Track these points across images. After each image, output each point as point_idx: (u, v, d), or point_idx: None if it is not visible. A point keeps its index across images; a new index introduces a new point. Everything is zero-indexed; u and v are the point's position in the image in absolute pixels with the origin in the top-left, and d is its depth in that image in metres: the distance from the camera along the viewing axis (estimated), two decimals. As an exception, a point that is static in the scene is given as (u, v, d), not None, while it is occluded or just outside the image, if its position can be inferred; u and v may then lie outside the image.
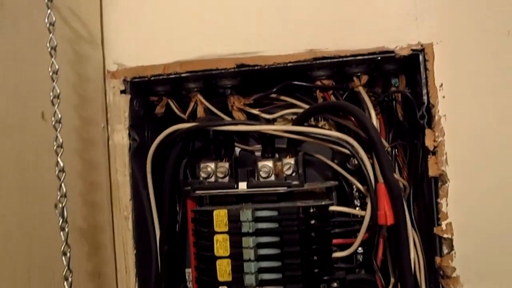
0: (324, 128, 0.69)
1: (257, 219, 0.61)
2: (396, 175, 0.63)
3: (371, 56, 0.62)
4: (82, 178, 0.62)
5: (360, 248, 0.64)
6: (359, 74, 0.65)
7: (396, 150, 0.67)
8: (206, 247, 0.63)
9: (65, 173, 0.53)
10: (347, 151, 0.62)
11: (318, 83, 0.66)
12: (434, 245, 0.60)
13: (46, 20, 0.54)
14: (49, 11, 0.55)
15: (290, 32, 0.64)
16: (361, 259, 0.66)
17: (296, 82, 0.66)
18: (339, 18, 0.63)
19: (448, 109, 0.59)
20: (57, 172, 0.53)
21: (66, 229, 0.52)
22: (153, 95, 0.71)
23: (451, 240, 0.59)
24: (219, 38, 0.65)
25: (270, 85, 0.67)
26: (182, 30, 0.67)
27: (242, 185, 0.64)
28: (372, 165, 0.60)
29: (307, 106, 0.68)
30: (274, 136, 0.67)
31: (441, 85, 0.60)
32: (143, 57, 0.67)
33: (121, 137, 0.67)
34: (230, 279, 0.61)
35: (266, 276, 0.61)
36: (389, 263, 0.64)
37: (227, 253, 0.61)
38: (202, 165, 0.67)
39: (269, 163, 0.65)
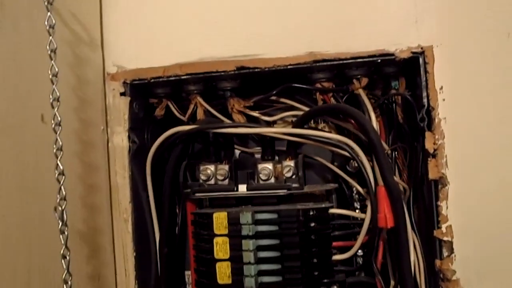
0: (324, 131, 0.69)
1: (257, 222, 0.61)
2: (396, 178, 0.63)
3: (371, 59, 0.62)
4: (82, 180, 0.61)
5: (360, 251, 0.64)
6: (359, 76, 0.65)
7: (396, 152, 0.67)
8: (206, 250, 0.63)
9: (65, 176, 0.53)
10: (347, 154, 0.62)
11: (318, 85, 0.66)
12: (434, 248, 0.60)
13: (46, 22, 0.54)
14: (49, 13, 0.54)
15: (290, 34, 0.64)
16: (361, 262, 0.66)
17: (296, 85, 0.66)
18: (339, 20, 0.63)
19: (448, 111, 0.59)
20: (56, 175, 0.53)
21: (66, 232, 0.52)
22: (153, 97, 0.71)
23: (451, 243, 0.59)
24: (219, 41, 0.65)
25: (270, 87, 0.67)
26: (182, 33, 0.67)
27: (242, 188, 0.64)
28: (372, 167, 0.60)
29: (307, 109, 0.68)
30: (274, 138, 0.67)
31: (441, 88, 0.60)
32: (143, 59, 0.67)
33: (120, 139, 0.67)
34: (230, 281, 0.61)
35: (266, 279, 0.61)
36: (389, 266, 0.63)
37: (227, 256, 0.61)
38: (202, 167, 0.67)
39: (269, 166, 0.65)
